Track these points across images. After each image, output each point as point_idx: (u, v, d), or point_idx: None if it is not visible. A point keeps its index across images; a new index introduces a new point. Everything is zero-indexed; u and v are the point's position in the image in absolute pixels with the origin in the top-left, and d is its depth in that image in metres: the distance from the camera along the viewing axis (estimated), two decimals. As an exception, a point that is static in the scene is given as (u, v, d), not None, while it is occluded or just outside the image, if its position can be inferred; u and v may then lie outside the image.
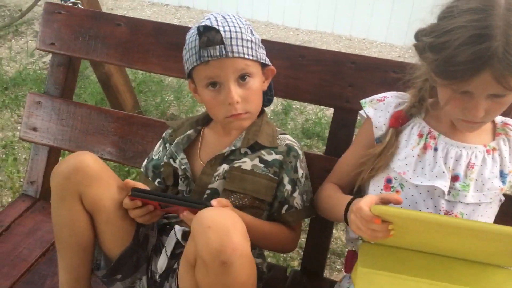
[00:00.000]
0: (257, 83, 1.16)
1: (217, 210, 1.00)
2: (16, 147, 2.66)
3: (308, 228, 1.40)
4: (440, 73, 0.96)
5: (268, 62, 1.20)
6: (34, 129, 1.58)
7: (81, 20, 1.55)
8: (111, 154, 1.51)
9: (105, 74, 2.26)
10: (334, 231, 1.89)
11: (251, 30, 1.16)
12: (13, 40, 3.83)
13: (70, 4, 1.65)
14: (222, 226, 0.93)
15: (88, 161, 1.11)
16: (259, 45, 1.16)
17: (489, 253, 0.99)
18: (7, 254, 1.40)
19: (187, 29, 1.44)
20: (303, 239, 1.43)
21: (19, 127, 2.81)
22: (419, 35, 1.02)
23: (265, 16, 4.09)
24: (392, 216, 0.92)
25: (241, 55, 1.11)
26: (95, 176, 1.10)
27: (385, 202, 0.98)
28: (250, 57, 1.12)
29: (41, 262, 1.39)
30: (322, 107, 2.81)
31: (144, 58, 1.50)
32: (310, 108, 3.04)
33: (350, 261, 1.18)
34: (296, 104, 3.02)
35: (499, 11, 0.90)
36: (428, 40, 0.97)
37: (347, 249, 1.39)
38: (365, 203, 0.95)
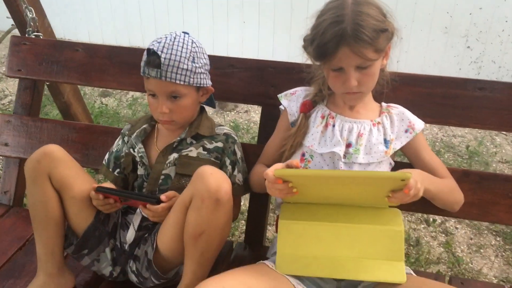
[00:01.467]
0: (187, 101, 1.42)
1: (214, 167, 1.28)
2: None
3: (248, 206, 1.68)
4: (316, 57, 1.29)
5: (205, 84, 1.44)
6: (6, 145, 1.81)
7: (43, 48, 1.82)
8: (76, 159, 1.74)
9: (65, 103, 2.50)
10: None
11: (193, 58, 1.38)
12: (-29, 86, 4.01)
13: (33, 36, 1.91)
14: (220, 175, 1.24)
15: (53, 148, 1.37)
16: (195, 72, 1.39)
17: (371, 196, 1.23)
18: (-13, 250, 1.60)
19: (138, 50, 1.76)
20: (245, 215, 1.70)
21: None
22: (304, 38, 1.35)
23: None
24: (289, 176, 1.17)
25: (173, 81, 1.35)
26: (60, 159, 1.37)
27: (289, 167, 1.24)
28: (182, 83, 1.36)
29: (19, 254, 1.59)
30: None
31: (100, 77, 1.78)
32: (256, 127, 3.37)
33: (278, 223, 1.45)
34: (243, 125, 3.35)
35: (348, 5, 1.23)
36: (308, 38, 1.31)
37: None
38: (270, 169, 1.20)
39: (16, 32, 4.51)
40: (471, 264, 2.25)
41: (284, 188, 1.18)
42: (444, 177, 1.42)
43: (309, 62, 1.41)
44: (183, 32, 1.42)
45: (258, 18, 4.16)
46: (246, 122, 3.45)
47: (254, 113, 3.58)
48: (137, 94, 3.84)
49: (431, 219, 2.51)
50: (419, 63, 3.75)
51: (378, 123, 1.42)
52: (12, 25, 4.24)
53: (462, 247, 2.35)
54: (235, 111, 3.59)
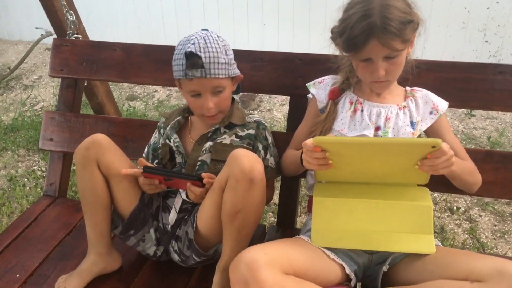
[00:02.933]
0: (227, 91, 1.52)
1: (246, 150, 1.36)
2: (19, 179, 2.98)
3: (279, 190, 1.77)
4: (346, 49, 1.37)
5: (237, 73, 1.53)
6: (51, 140, 1.94)
7: (83, 49, 1.95)
8: (116, 152, 1.86)
9: (99, 103, 2.63)
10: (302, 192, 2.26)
11: (225, 50, 1.46)
12: (4, 94, 4.19)
13: (73, 38, 2.04)
14: (252, 156, 1.31)
15: (101, 137, 1.48)
16: (230, 63, 1.49)
17: (402, 167, 1.28)
18: (39, 236, 1.72)
19: (171, 48, 1.85)
20: (276, 201, 1.79)
21: (20, 165, 3.14)
22: (332, 30, 1.43)
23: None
24: (328, 143, 1.23)
25: (216, 76, 1.44)
26: (107, 147, 1.47)
27: None
28: (223, 76, 1.46)
29: (67, 239, 1.71)
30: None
31: (137, 74, 1.90)
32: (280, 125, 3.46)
33: (311, 202, 1.54)
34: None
35: None
36: (336, 30, 1.38)
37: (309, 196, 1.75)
38: (309, 139, 1.28)
39: (45, 41, 4.71)
40: (496, 249, 2.30)
41: (321, 157, 1.24)
42: (464, 159, 1.50)
43: (335, 53, 1.48)
44: (202, 29, 1.50)
45: (278, 20, 4.26)
46: (269, 120, 3.54)
47: (277, 111, 3.67)
48: (163, 97, 3.97)
49: (455, 207, 2.57)
50: (437, 59, 3.79)
51: (404, 106, 1.49)
52: (42, 35, 4.45)
53: (486, 234, 2.40)
54: (258, 110, 3.69)
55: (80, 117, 1.94)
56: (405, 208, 1.32)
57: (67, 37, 2.06)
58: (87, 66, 1.94)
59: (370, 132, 1.45)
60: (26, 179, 2.97)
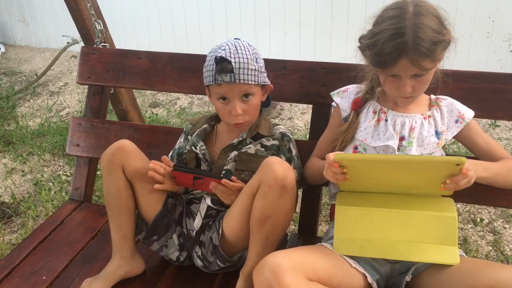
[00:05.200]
0: (256, 99, 1.53)
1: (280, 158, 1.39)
2: (44, 184, 3.04)
3: (301, 198, 1.78)
4: (375, 64, 1.35)
5: (267, 82, 1.55)
6: (77, 145, 1.98)
7: (110, 57, 2.00)
8: (140, 158, 1.89)
9: (123, 110, 2.68)
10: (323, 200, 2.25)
11: (256, 58, 1.48)
12: (31, 100, 4.29)
13: (101, 46, 2.09)
14: (285, 164, 1.34)
15: (126, 142, 1.52)
16: (260, 71, 1.49)
17: (425, 183, 1.29)
18: (64, 239, 1.76)
19: (195, 56, 1.90)
20: (298, 209, 1.80)
21: (45, 169, 3.21)
22: (360, 39, 1.42)
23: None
24: (348, 160, 1.26)
25: (246, 82, 1.45)
26: (132, 153, 1.51)
27: None
28: (252, 82, 1.47)
29: (92, 243, 1.75)
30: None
31: (162, 81, 1.93)
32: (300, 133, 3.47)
33: (333, 211, 1.53)
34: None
35: (409, 16, 1.29)
36: (365, 42, 1.38)
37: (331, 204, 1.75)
38: (333, 153, 1.31)
39: (71, 49, 4.79)
40: (521, 262, 2.26)
41: (337, 172, 1.27)
42: (503, 158, 1.47)
43: (360, 62, 1.48)
44: (234, 38, 1.53)
45: (300, 29, 4.27)
46: (290, 128, 3.54)
47: (298, 119, 3.68)
48: (185, 104, 4.01)
49: (478, 219, 2.53)
50: (461, 68, 3.76)
51: (429, 116, 1.48)
52: (68, 42, 4.55)
53: (510, 246, 2.36)
54: (279, 118, 3.71)
55: (106, 123, 1.98)
56: (429, 218, 1.31)
57: (94, 45, 2.11)
58: (113, 74, 1.98)
59: (394, 143, 1.45)
60: (51, 183, 3.03)
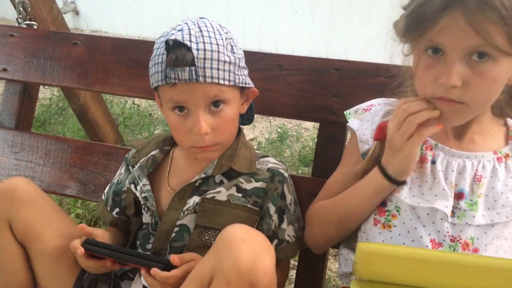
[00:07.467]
0: (232, 109, 0.99)
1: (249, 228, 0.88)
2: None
3: (297, 265, 1.20)
4: (407, 28, 0.85)
5: (248, 84, 1.03)
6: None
7: (34, 41, 1.42)
8: (70, 188, 1.33)
9: (81, 106, 2.11)
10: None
11: (231, 46, 0.98)
12: None
13: (24, 26, 1.51)
14: (258, 243, 0.84)
15: (17, 183, 1.04)
16: (239, 66, 0.99)
17: None
18: None
19: (150, 43, 1.30)
20: (291, 275, 1.22)
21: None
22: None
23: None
24: (375, 255, 0.79)
25: (215, 80, 0.94)
26: (26, 198, 1.02)
27: None
28: (226, 82, 0.96)
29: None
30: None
31: (103, 79, 1.36)
32: (307, 134, 2.89)
33: (344, 296, 0.99)
34: (292, 132, 2.89)
35: None
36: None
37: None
38: None
39: None
40: None
41: None
42: None
43: (394, 61, 0.96)
44: (199, 17, 0.99)
45: (312, 7, 3.75)
46: (296, 128, 2.97)
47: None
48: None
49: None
50: None
51: (507, 156, 0.94)
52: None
53: None
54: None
55: (26, 136, 1.40)
56: None
57: (16, 24, 1.53)
58: (37, 65, 1.41)
59: (446, 205, 0.90)
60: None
